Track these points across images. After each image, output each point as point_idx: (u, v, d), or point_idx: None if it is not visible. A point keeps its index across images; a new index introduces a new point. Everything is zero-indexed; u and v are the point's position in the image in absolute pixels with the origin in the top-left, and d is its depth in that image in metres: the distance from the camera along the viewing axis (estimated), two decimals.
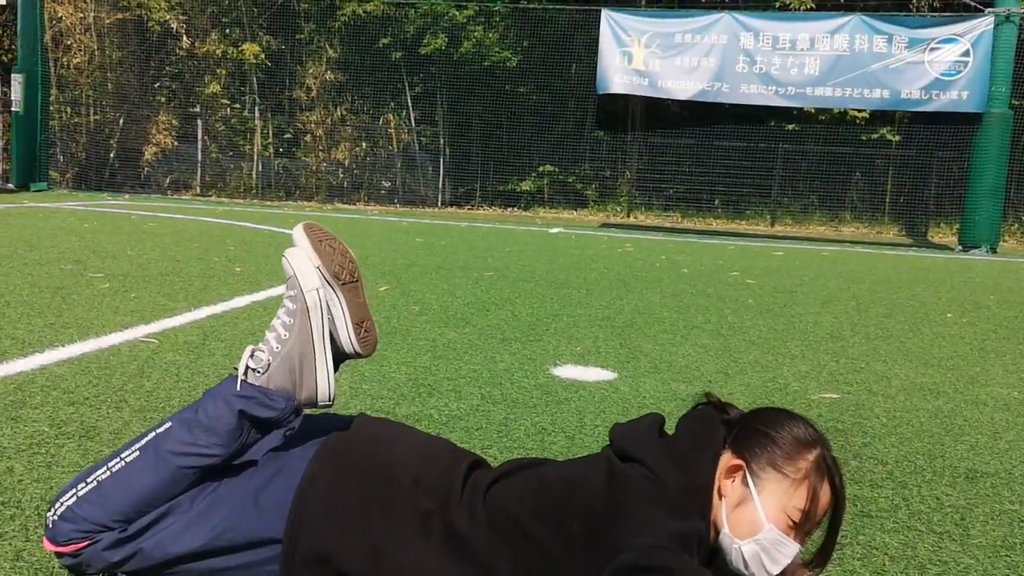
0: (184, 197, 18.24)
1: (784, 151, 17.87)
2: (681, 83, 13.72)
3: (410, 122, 19.72)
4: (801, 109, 16.58)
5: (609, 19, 14.27)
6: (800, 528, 1.56)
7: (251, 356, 1.71)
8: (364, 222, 12.79)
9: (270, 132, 19.95)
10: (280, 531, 1.62)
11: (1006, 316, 6.16)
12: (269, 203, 17.75)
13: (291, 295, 1.75)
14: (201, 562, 1.62)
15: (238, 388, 1.68)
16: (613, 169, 18.84)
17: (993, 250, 13.59)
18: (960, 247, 13.93)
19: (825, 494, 1.56)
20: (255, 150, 19.63)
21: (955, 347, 4.77)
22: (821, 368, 4.02)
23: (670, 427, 1.75)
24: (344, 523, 1.62)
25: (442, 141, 19.45)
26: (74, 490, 1.64)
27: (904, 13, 15.73)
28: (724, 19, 13.83)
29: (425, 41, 18.32)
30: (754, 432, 1.60)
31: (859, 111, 16.77)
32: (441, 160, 19.46)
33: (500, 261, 7.89)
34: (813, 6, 17.24)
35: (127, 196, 16.76)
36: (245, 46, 19.19)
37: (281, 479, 1.66)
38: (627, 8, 15.81)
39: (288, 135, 20.01)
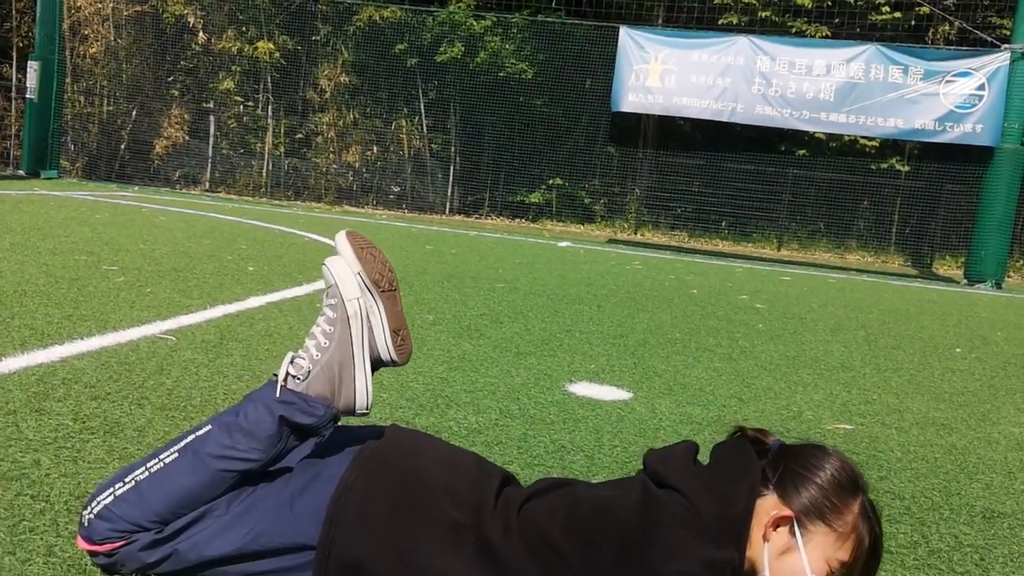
0: (193, 192, 18.26)
1: (793, 176, 17.91)
2: (696, 101, 13.77)
3: (422, 128, 19.76)
4: (812, 135, 16.63)
5: (628, 36, 14.33)
6: (838, 574, 1.57)
7: (291, 363, 1.72)
8: (374, 226, 12.81)
9: (282, 131, 19.99)
10: (314, 537, 1.63)
11: (1014, 353, 6.16)
12: (278, 202, 17.78)
13: (331, 303, 1.76)
14: (235, 566, 1.63)
15: (278, 394, 1.69)
16: (622, 185, 18.87)
17: (998, 285, 13.60)
18: (965, 281, 13.94)
19: (866, 541, 1.57)
20: (266, 148, 19.67)
21: (965, 382, 4.78)
22: (833, 398, 4.03)
23: (703, 455, 1.77)
24: (375, 531, 1.63)
25: (453, 149, 19.48)
26: (111, 489, 1.65)
27: (920, 45, 15.77)
28: (741, 41, 13.89)
29: (441, 49, 18.39)
30: (799, 477, 1.60)
31: (869, 139, 16.81)
32: (451, 168, 19.49)
33: (510, 273, 7.91)
34: (828, 34, 17.30)
35: (136, 188, 16.78)
36: (260, 44, 19.26)
37: (317, 486, 1.68)
38: (645, 26, 15.88)
39: (300, 135, 20.04)
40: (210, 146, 19.71)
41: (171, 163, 19.71)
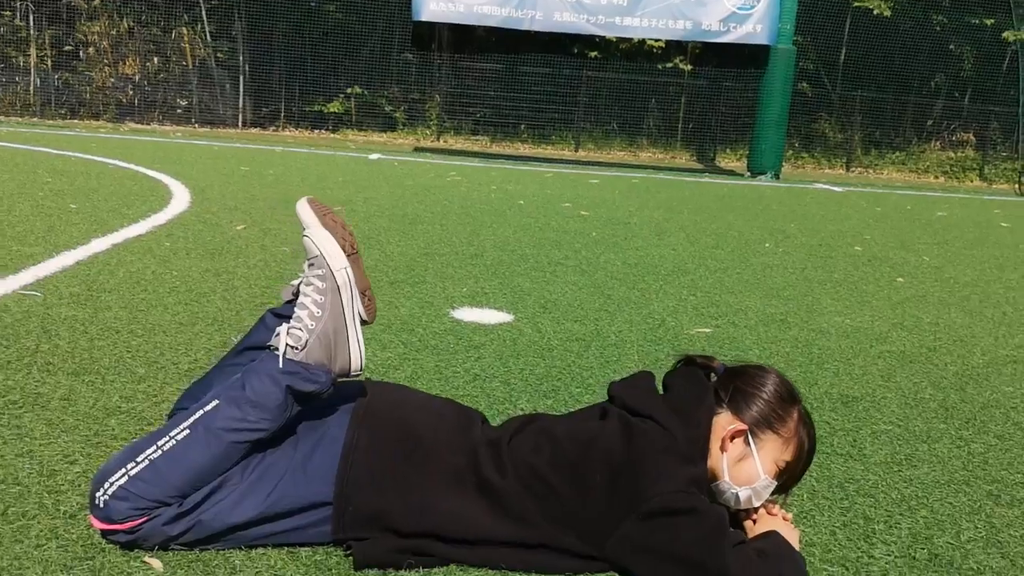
0: None
1: (587, 78, 18.46)
2: (497, 9, 13.81)
3: (206, 36, 18.70)
4: (604, 37, 17.10)
5: None
6: (783, 473, 1.88)
7: (288, 334, 1.80)
8: (173, 147, 12.19)
9: (47, 42, 18.31)
10: (328, 495, 1.76)
11: (810, 244, 6.88)
12: (53, 122, 16.45)
13: (319, 274, 1.84)
14: (257, 528, 1.74)
15: (281, 365, 1.77)
16: (422, 92, 18.78)
17: (777, 176, 14.81)
18: (749, 173, 15.07)
19: (806, 444, 1.88)
20: (31, 62, 18.00)
21: (784, 277, 5.34)
22: (683, 302, 4.43)
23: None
24: (384, 482, 1.78)
25: (241, 58, 18.60)
26: (123, 470, 1.70)
27: None
28: None
29: None
30: (748, 395, 1.88)
31: (656, 40, 17.50)
32: (241, 78, 18.64)
33: (340, 193, 7.87)
34: None
35: None
36: None
37: (324, 447, 1.80)
38: None
39: (68, 47, 18.43)
40: None
41: None
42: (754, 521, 1.90)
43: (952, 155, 19.88)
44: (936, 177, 19.03)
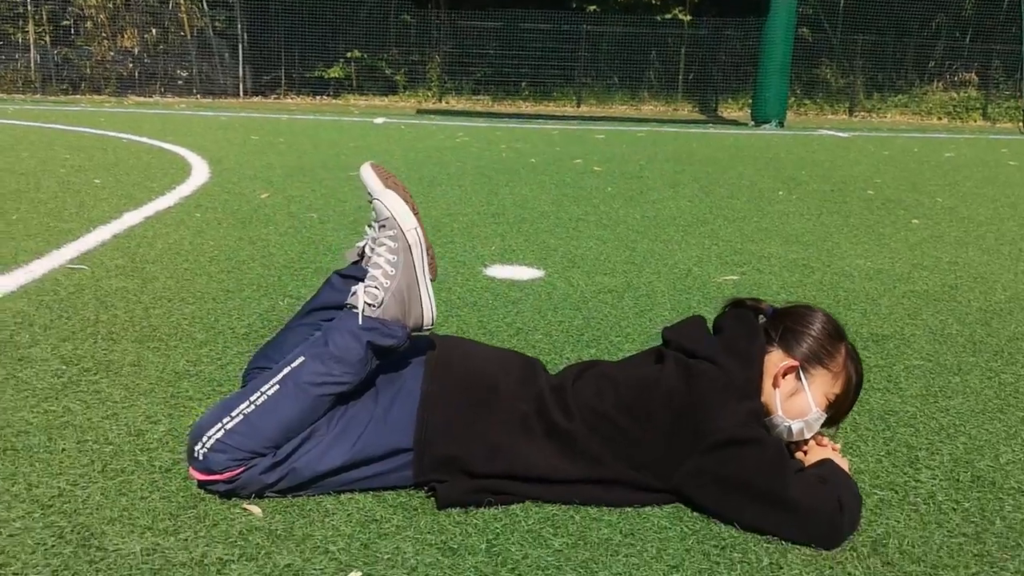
0: None
1: (587, 32, 18.38)
2: None
3: (202, 6, 18.62)
4: None
5: None
6: (832, 405, 1.99)
7: (365, 292, 1.91)
8: (181, 119, 12.23)
9: (44, 18, 18.26)
10: (408, 442, 1.87)
11: (822, 190, 6.96)
12: (56, 98, 16.45)
13: (391, 235, 1.95)
14: (345, 474, 1.86)
15: (360, 322, 1.88)
16: (422, 53, 18.72)
17: (781, 124, 14.82)
18: (753, 122, 15.08)
19: (854, 378, 1.99)
20: (30, 38, 17.96)
21: (801, 224, 5.43)
22: (707, 252, 4.53)
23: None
24: (459, 429, 1.90)
25: (240, 26, 18.54)
26: (219, 424, 1.81)
27: None
28: None
29: None
30: (797, 334, 1.99)
31: None
32: (239, 47, 18.60)
33: (354, 158, 7.94)
34: None
35: None
36: None
37: (402, 398, 1.91)
38: None
39: (66, 21, 18.40)
40: None
41: None
42: (805, 452, 2.02)
43: (955, 96, 19.84)
44: (940, 118, 19.01)
